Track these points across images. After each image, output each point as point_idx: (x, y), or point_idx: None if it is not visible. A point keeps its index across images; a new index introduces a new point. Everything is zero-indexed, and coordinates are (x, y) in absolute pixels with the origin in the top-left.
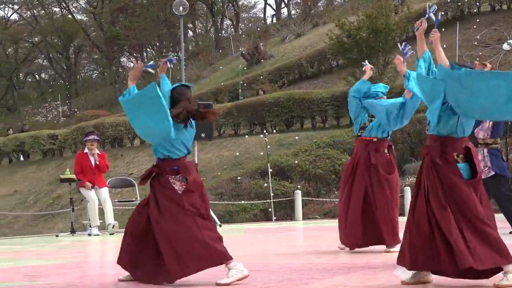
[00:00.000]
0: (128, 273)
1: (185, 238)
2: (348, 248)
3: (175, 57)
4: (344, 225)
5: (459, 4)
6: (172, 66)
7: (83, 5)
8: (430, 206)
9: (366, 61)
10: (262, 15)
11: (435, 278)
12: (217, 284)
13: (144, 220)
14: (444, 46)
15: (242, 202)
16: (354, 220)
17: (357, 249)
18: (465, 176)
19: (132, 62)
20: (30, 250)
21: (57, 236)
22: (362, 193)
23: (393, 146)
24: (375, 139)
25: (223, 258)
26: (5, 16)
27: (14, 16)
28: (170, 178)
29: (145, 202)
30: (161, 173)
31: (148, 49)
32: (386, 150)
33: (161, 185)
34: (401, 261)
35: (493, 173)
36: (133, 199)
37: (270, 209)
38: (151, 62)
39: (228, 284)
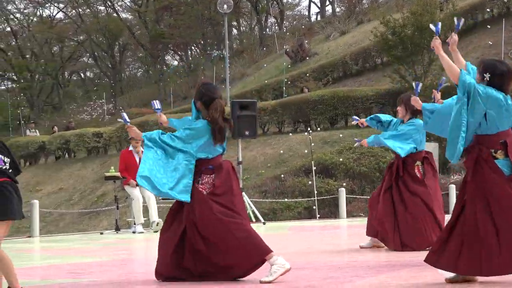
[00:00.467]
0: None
1: (225, 242)
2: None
3: (126, 116)
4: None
5: (505, 0)
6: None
7: (128, 4)
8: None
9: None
10: (306, 13)
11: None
12: (261, 282)
13: (171, 214)
14: (490, 43)
15: (286, 200)
16: (388, 222)
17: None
18: (506, 172)
19: (176, 60)
20: (75, 248)
21: (101, 233)
22: (389, 198)
23: (430, 157)
24: None
25: (263, 252)
26: (51, 14)
27: (60, 15)
28: (204, 177)
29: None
30: (197, 172)
31: (193, 47)
32: (418, 162)
33: (194, 187)
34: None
35: None
36: None
37: (314, 207)
38: (123, 114)
39: (272, 281)
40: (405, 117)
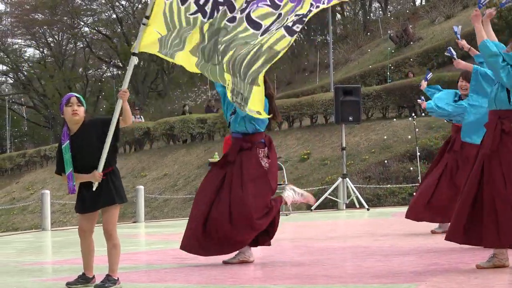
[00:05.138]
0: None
1: None
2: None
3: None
4: None
5: None
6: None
7: None
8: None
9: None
10: None
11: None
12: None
13: None
14: None
15: (390, 185)
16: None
17: None
18: None
19: None
20: (180, 233)
21: None
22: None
23: None
24: None
25: None
26: None
27: None
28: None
29: None
30: None
31: None
32: None
33: None
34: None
35: None
36: (281, 183)
37: (415, 193)
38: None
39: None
40: None
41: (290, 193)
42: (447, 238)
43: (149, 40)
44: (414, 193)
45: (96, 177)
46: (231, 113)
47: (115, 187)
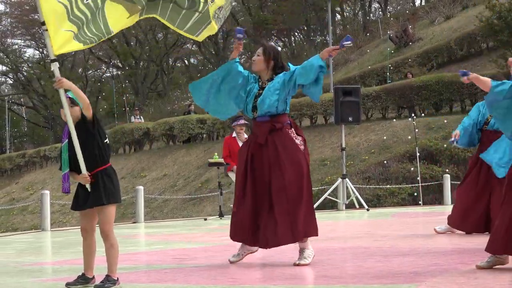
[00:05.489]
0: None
1: None
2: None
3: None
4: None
5: None
6: None
7: None
8: None
9: None
10: None
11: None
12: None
13: None
14: None
15: (390, 186)
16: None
17: None
18: None
19: (279, 46)
20: (179, 234)
21: (205, 219)
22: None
23: None
24: None
25: None
26: None
27: None
28: None
29: None
30: None
31: (296, 33)
32: None
33: None
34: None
35: None
36: None
37: (415, 194)
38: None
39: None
40: None
41: (311, 252)
42: (487, 249)
43: (61, 40)
44: (454, 203)
45: (81, 180)
46: (255, 97)
47: (105, 188)
